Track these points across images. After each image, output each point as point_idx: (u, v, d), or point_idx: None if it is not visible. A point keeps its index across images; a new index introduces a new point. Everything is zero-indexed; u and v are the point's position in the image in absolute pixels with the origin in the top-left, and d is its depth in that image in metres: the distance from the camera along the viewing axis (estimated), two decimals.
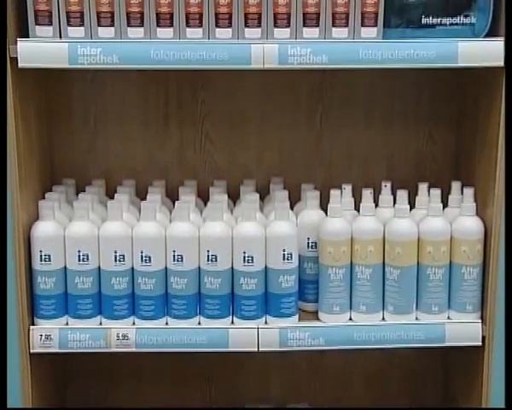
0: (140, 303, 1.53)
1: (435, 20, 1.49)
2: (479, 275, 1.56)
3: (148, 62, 1.43)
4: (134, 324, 1.54)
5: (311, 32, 1.47)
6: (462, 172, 1.73)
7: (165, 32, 1.45)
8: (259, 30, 1.46)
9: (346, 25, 1.47)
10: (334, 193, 1.55)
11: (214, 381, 1.90)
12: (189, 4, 1.44)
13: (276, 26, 1.46)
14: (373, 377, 1.90)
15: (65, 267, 1.52)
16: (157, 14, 1.45)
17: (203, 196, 1.71)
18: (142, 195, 1.67)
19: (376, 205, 1.59)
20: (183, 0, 1.44)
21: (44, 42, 1.43)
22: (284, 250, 1.51)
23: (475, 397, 1.61)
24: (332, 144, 1.79)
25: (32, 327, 1.52)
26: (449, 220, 1.56)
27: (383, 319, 1.58)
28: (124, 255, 1.51)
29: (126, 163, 1.78)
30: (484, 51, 1.45)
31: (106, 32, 1.45)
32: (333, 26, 1.47)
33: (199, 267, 1.52)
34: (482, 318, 1.57)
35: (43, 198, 1.58)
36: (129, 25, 1.45)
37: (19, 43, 1.41)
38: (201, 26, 1.46)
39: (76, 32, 1.44)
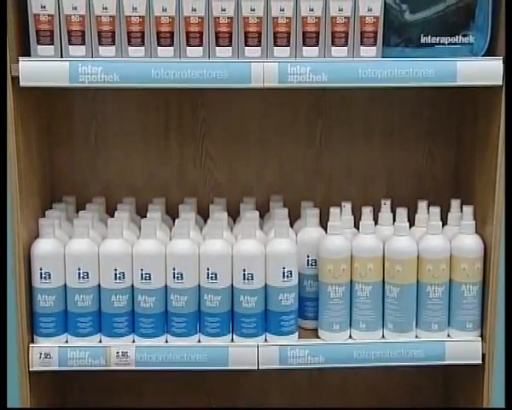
0: (140, 321, 1.53)
1: (434, 40, 1.50)
2: (478, 293, 1.56)
3: (148, 81, 1.43)
4: (134, 341, 1.54)
5: (310, 51, 1.48)
6: (462, 189, 1.74)
7: (165, 51, 1.46)
8: (259, 49, 1.47)
9: (346, 44, 1.48)
10: (333, 211, 1.56)
11: (214, 397, 1.89)
12: (189, 23, 1.45)
13: (275, 44, 1.47)
14: (373, 395, 1.90)
15: (65, 285, 1.52)
16: (157, 33, 1.46)
17: (203, 213, 1.72)
18: (142, 212, 1.68)
19: (376, 222, 1.59)
20: (184, 19, 1.45)
21: (45, 61, 1.43)
22: (284, 268, 1.51)
23: None
24: (331, 162, 1.80)
25: (31, 345, 1.52)
26: (448, 238, 1.56)
27: (383, 336, 1.58)
28: (124, 273, 1.51)
29: (127, 180, 1.79)
30: (482, 70, 1.46)
31: (107, 50, 1.46)
32: (332, 45, 1.48)
33: (199, 285, 1.52)
34: (482, 336, 1.57)
35: (44, 216, 1.58)
36: (130, 44, 1.46)
37: (20, 62, 1.42)
38: (202, 44, 1.47)
39: (77, 50, 1.45)
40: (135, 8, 1.44)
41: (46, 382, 1.66)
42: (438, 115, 1.79)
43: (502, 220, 1.51)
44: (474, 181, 1.65)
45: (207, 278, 1.51)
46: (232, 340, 1.55)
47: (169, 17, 1.45)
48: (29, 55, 1.45)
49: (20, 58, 1.42)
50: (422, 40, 1.50)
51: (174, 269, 1.50)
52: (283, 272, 1.52)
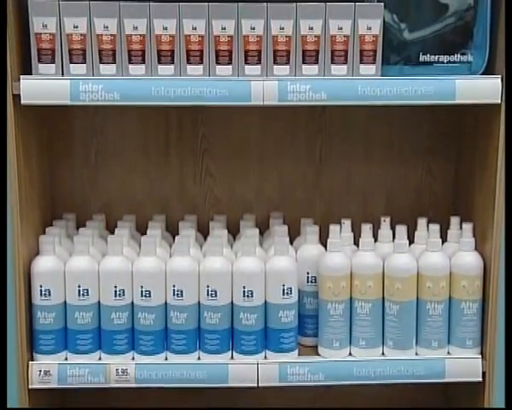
0: (140, 338, 1.53)
1: (433, 58, 1.51)
2: (478, 310, 1.56)
3: (148, 99, 1.44)
4: (133, 359, 1.54)
5: (310, 69, 1.48)
6: (461, 206, 1.74)
7: (166, 69, 1.47)
8: (259, 67, 1.48)
9: (345, 62, 1.49)
10: (333, 228, 1.56)
11: None
12: (189, 42, 1.46)
13: (275, 63, 1.48)
14: None
15: (65, 302, 1.52)
16: (158, 52, 1.47)
17: (203, 230, 1.72)
18: (142, 228, 1.68)
19: (376, 239, 1.60)
20: (184, 38, 1.46)
21: (46, 79, 1.44)
22: (284, 285, 1.52)
23: None
24: (331, 179, 1.81)
25: (30, 362, 1.52)
26: (448, 255, 1.57)
27: (383, 354, 1.58)
28: (124, 290, 1.51)
29: (127, 197, 1.79)
30: (481, 88, 1.47)
31: (107, 69, 1.47)
32: (332, 63, 1.48)
33: (199, 302, 1.52)
34: (482, 353, 1.57)
35: (44, 233, 1.59)
36: (130, 62, 1.47)
37: (22, 80, 1.43)
38: (202, 63, 1.47)
39: (78, 69, 1.46)
40: (135, 27, 1.45)
41: (45, 399, 1.65)
42: (437, 132, 1.79)
43: (501, 237, 1.52)
44: (473, 198, 1.66)
45: (207, 295, 1.51)
46: (232, 357, 1.55)
47: (169, 36, 1.46)
48: (30, 74, 1.46)
49: (22, 76, 1.43)
50: (421, 58, 1.51)
51: (174, 286, 1.51)
52: (283, 290, 1.52)
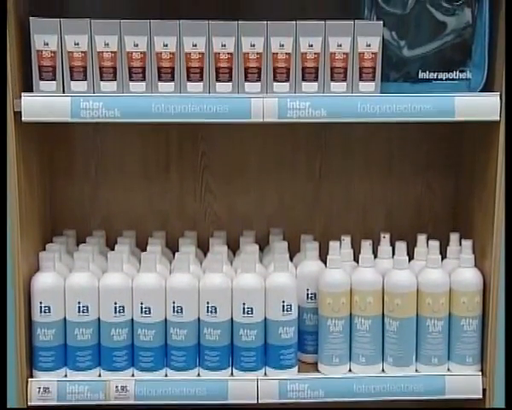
0: (139, 355, 1.52)
1: (432, 75, 1.52)
2: (478, 327, 1.56)
3: (149, 116, 1.45)
4: (133, 375, 1.54)
5: (309, 87, 1.49)
6: (461, 222, 1.75)
7: (166, 86, 1.48)
8: (259, 84, 1.49)
9: (345, 79, 1.49)
10: (333, 245, 1.56)
11: None
12: (189, 59, 1.47)
13: (275, 80, 1.49)
14: None
15: (64, 319, 1.52)
16: (158, 69, 1.47)
17: (203, 246, 1.72)
18: (142, 244, 1.68)
19: (375, 256, 1.60)
20: (184, 55, 1.47)
21: (47, 96, 1.45)
22: (284, 302, 1.52)
23: None
24: (331, 195, 1.81)
25: (30, 380, 1.51)
26: (448, 272, 1.57)
27: (383, 370, 1.57)
28: (123, 307, 1.51)
29: (127, 213, 1.80)
30: (480, 106, 1.47)
31: (108, 86, 1.47)
32: (331, 80, 1.49)
33: (198, 319, 1.52)
34: (482, 370, 1.57)
35: (44, 249, 1.59)
36: (131, 79, 1.47)
37: (23, 97, 1.43)
38: (202, 80, 1.48)
39: (79, 86, 1.47)
40: (136, 45, 1.46)
41: None
42: (436, 149, 1.80)
43: (501, 254, 1.52)
44: (473, 214, 1.66)
45: (207, 311, 1.51)
46: (232, 374, 1.54)
47: (170, 53, 1.47)
48: (31, 91, 1.47)
49: (23, 94, 1.44)
50: (420, 75, 1.52)
51: (174, 303, 1.51)
52: (283, 306, 1.52)
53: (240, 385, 1.53)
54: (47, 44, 1.45)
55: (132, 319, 1.52)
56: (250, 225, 1.78)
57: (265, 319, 1.53)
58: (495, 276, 1.53)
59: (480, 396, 1.55)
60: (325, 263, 1.58)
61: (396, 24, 1.51)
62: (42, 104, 1.44)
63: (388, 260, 1.59)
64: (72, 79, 1.47)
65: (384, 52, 1.49)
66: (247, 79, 1.48)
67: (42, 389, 1.51)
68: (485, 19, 1.50)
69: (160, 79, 1.48)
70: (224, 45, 1.47)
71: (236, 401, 1.53)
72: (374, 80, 1.50)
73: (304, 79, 1.49)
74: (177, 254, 1.56)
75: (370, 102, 1.47)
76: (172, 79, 1.48)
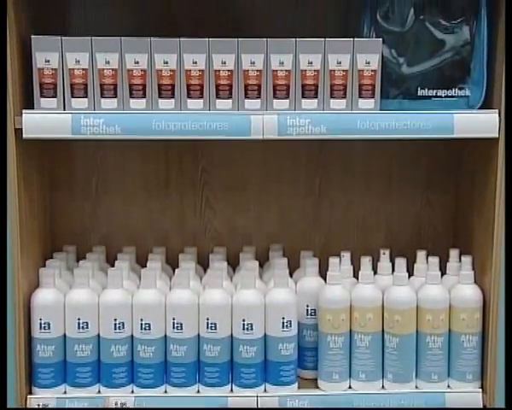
0: (139, 371, 1.52)
1: (431, 92, 1.53)
2: (478, 343, 1.56)
3: (149, 133, 1.45)
4: (133, 392, 1.53)
5: (309, 104, 1.50)
6: (460, 238, 1.75)
7: (166, 103, 1.49)
8: (259, 101, 1.49)
9: (344, 96, 1.50)
10: (332, 261, 1.56)
11: None
12: (190, 76, 1.48)
13: (275, 97, 1.49)
14: None
15: (64, 335, 1.52)
16: (159, 86, 1.48)
17: (203, 262, 1.72)
18: (142, 260, 1.68)
19: (375, 272, 1.60)
20: (185, 72, 1.48)
21: (48, 113, 1.46)
22: (283, 318, 1.52)
23: None
24: (331, 211, 1.81)
25: (29, 396, 1.51)
26: (447, 288, 1.57)
27: (383, 387, 1.57)
28: (123, 323, 1.51)
29: (127, 229, 1.80)
30: (479, 123, 1.48)
31: (109, 103, 1.48)
32: (331, 97, 1.50)
33: (198, 335, 1.52)
34: (482, 387, 1.57)
35: (44, 265, 1.59)
36: (131, 96, 1.48)
37: (24, 114, 1.44)
38: (202, 97, 1.49)
39: (80, 103, 1.47)
40: (137, 62, 1.47)
41: None
42: (436, 165, 1.81)
43: (501, 270, 1.52)
44: (472, 230, 1.66)
45: (207, 327, 1.51)
46: (231, 390, 1.54)
47: (170, 70, 1.47)
48: (32, 107, 1.47)
49: (24, 111, 1.45)
50: (420, 93, 1.53)
51: (174, 319, 1.51)
52: (283, 322, 1.52)
53: (240, 402, 1.52)
54: (48, 62, 1.46)
55: (132, 336, 1.52)
56: (250, 241, 1.78)
57: (265, 335, 1.53)
58: (495, 292, 1.53)
59: None
60: (325, 279, 1.58)
61: (395, 41, 1.52)
62: (43, 121, 1.44)
63: (388, 277, 1.59)
64: (72, 96, 1.47)
65: (383, 69, 1.50)
66: (246, 96, 1.49)
67: (41, 406, 1.50)
68: (484, 37, 1.51)
69: (160, 96, 1.48)
70: (224, 62, 1.48)
71: None
72: (373, 97, 1.50)
73: (303, 96, 1.50)
74: (177, 270, 1.56)
75: (370, 119, 1.47)
76: (173, 96, 1.49)
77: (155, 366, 1.52)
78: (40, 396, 1.51)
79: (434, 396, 1.55)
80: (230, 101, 1.49)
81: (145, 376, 1.52)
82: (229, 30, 1.58)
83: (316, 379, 1.59)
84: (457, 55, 1.52)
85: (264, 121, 1.46)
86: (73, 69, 1.46)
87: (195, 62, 1.48)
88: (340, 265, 1.58)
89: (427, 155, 1.80)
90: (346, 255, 1.61)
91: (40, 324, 1.51)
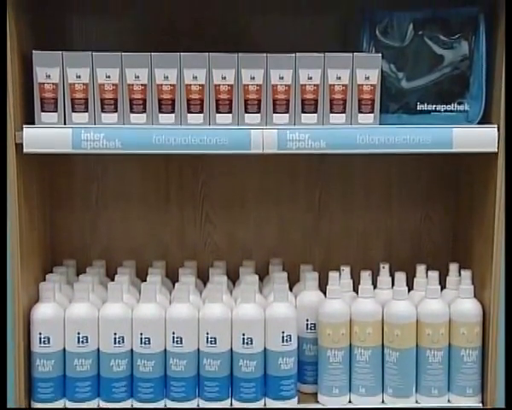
0: (139, 385, 1.52)
1: (430, 107, 1.53)
2: (478, 358, 1.56)
3: (149, 147, 1.46)
4: (132, 406, 1.53)
5: (309, 118, 1.50)
6: (460, 252, 1.75)
7: (166, 118, 1.49)
8: (259, 115, 1.50)
9: (344, 111, 1.50)
10: (332, 275, 1.56)
11: None
12: (190, 91, 1.48)
13: (275, 111, 1.50)
14: None
15: (64, 349, 1.52)
16: (159, 101, 1.49)
17: (203, 276, 1.73)
18: (142, 274, 1.68)
19: (375, 286, 1.60)
20: (185, 87, 1.48)
21: (49, 127, 1.46)
22: (283, 332, 1.52)
23: None
24: (330, 225, 1.81)
25: None
26: (447, 302, 1.57)
27: (383, 401, 1.57)
28: (123, 337, 1.51)
29: (127, 243, 1.80)
30: (478, 137, 1.48)
31: (109, 117, 1.48)
32: (331, 112, 1.50)
33: (198, 349, 1.52)
34: (483, 401, 1.56)
35: (44, 279, 1.59)
36: (132, 111, 1.49)
37: (24, 129, 1.45)
38: (202, 111, 1.49)
39: (80, 117, 1.48)
40: (137, 77, 1.48)
41: None
42: (435, 179, 1.81)
43: (501, 284, 1.52)
44: (472, 244, 1.66)
45: (207, 342, 1.51)
46: (231, 404, 1.54)
47: (170, 85, 1.48)
48: (33, 121, 1.48)
49: (24, 126, 1.45)
50: (419, 107, 1.53)
51: (173, 333, 1.50)
52: (283, 337, 1.52)
53: None
54: (49, 77, 1.46)
55: (132, 350, 1.52)
56: (250, 255, 1.78)
57: (265, 349, 1.53)
58: (495, 306, 1.53)
59: None
60: (325, 293, 1.58)
61: (394, 56, 1.53)
62: (43, 136, 1.45)
63: (388, 291, 1.59)
64: (73, 111, 1.48)
65: (383, 84, 1.51)
66: (246, 111, 1.50)
67: None
68: (482, 52, 1.51)
69: (160, 110, 1.49)
70: (224, 77, 1.48)
71: None
72: (373, 112, 1.51)
73: (303, 111, 1.50)
74: (176, 284, 1.56)
75: (369, 134, 1.48)
76: (173, 111, 1.49)
77: (155, 380, 1.52)
78: None
79: None
80: (230, 115, 1.49)
81: (145, 390, 1.52)
82: (230, 45, 1.59)
83: (316, 394, 1.59)
84: (456, 70, 1.52)
85: (264, 136, 1.47)
86: (74, 84, 1.47)
87: (196, 77, 1.48)
88: (339, 279, 1.58)
89: (427, 169, 1.80)
90: (346, 269, 1.61)
91: (40, 338, 1.51)
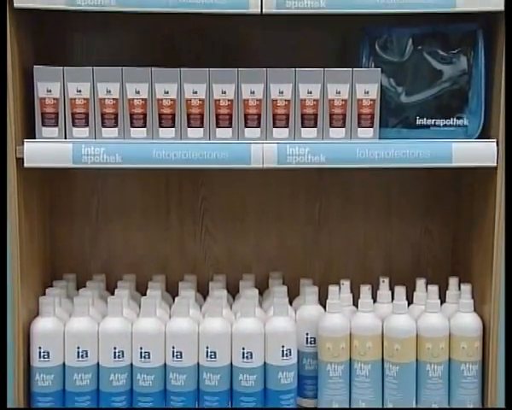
0: (138, 400, 1.52)
1: (429, 121, 1.54)
2: (478, 372, 1.56)
3: (149, 162, 1.46)
4: None
5: (309, 133, 1.51)
6: (460, 266, 1.75)
7: (167, 132, 1.50)
8: (259, 130, 1.50)
9: (343, 125, 1.51)
10: (332, 289, 1.56)
11: None
12: (190, 106, 1.49)
13: (275, 126, 1.50)
14: None
15: (63, 364, 1.52)
16: (159, 115, 1.49)
17: (203, 290, 1.73)
18: (142, 287, 1.69)
19: (375, 300, 1.60)
20: (185, 101, 1.49)
21: (49, 142, 1.47)
22: (283, 346, 1.51)
23: None
24: (330, 239, 1.82)
25: None
26: (447, 316, 1.57)
27: None
28: (123, 351, 1.51)
29: (127, 256, 1.80)
30: (477, 152, 1.49)
31: (109, 132, 1.49)
32: (330, 126, 1.51)
33: (198, 363, 1.52)
34: None
35: (44, 293, 1.59)
36: (132, 125, 1.49)
37: (25, 144, 1.45)
38: (202, 126, 1.50)
39: (81, 132, 1.48)
40: (137, 92, 1.48)
41: None
42: (435, 193, 1.81)
43: (501, 298, 1.52)
44: (471, 258, 1.66)
45: (206, 356, 1.51)
46: None
47: (170, 100, 1.49)
48: (34, 136, 1.48)
49: (25, 140, 1.46)
50: (418, 122, 1.54)
51: (173, 347, 1.50)
52: (282, 351, 1.51)
53: None
54: (50, 91, 1.47)
55: (132, 364, 1.51)
56: (250, 269, 1.78)
57: (265, 363, 1.52)
58: (494, 320, 1.53)
59: None
60: (324, 307, 1.58)
61: (394, 71, 1.53)
62: (44, 150, 1.46)
63: (388, 305, 1.59)
64: (74, 126, 1.49)
65: (382, 98, 1.51)
66: (246, 126, 1.50)
67: None
68: (481, 67, 1.52)
69: (160, 125, 1.49)
70: (225, 92, 1.49)
71: None
72: (372, 126, 1.51)
73: (303, 126, 1.51)
74: (176, 298, 1.56)
75: (369, 148, 1.48)
76: (173, 126, 1.50)
77: (155, 394, 1.51)
78: None
79: None
80: (230, 130, 1.50)
81: (144, 405, 1.51)
82: (229, 60, 1.60)
83: (316, 408, 1.59)
84: (455, 85, 1.53)
85: (264, 150, 1.47)
86: (75, 99, 1.48)
87: (196, 92, 1.49)
88: (339, 293, 1.58)
89: (426, 183, 1.80)
90: (346, 283, 1.61)
91: (39, 352, 1.50)
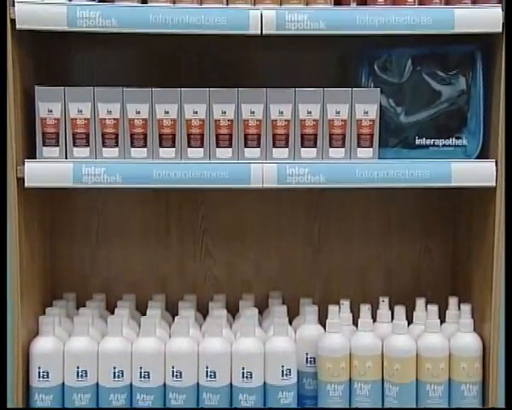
0: None
1: (429, 142, 1.55)
2: (479, 392, 1.55)
3: (150, 182, 1.47)
4: None
5: (308, 153, 1.51)
6: (460, 285, 1.75)
7: (167, 152, 1.50)
8: (259, 150, 1.51)
9: (343, 145, 1.52)
10: (332, 309, 1.56)
11: None
12: (190, 126, 1.50)
13: (274, 146, 1.51)
14: None
15: (63, 384, 1.51)
16: (160, 135, 1.50)
17: (202, 309, 1.72)
18: (142, 307, 1.68)
19: (374, 320, 1.60)
20: (185, 121, 1.50)
21: (50, 162, 1.47)
22: (283, 366, 1.51)
23: None
24: (330, 259, 1.82)
25: None
26: (447, 336, 1.57)
27: None
28: (123, 371, 1.50)
29: (127, 276, 1.80)
30: (476, 172, 1.50)
31: (110, 152, 1.50)
32: (330, 146, 1.52)
33: (198, 383, 1.51)
34: None
35: (44, 312, 1.59)
36: (132, 145, 1.50)
37: (26, 164, 1.46)
38: (202, 146, 1.50)
39: (81, 152, 1.49)
40: (138, 112, 1.49)
41: None
42: (434, 213, 1.81)
43: (501, 318, 1.52)
44: (471, 278, 1.66)
45: (206, 376, 1.50)
46: None
47: (171, 120, 1.49)
48: (35, 156, 1.49)
49: (26, 160, 1.46)
50: (417, 142, 1.55)
51: (173, 367, 1.50)
52: (282, 371, 1.51)
53: None
54: (51, 112, 1.48)
55: (131, 384, 1.51)
56: (249, 289, 1.78)
57: (265, 383, 1.52)
58: (495, 341, 1.53)
59: None
60: (324, 327, 1.58)
61: (393, 92, 1.54)
62: (44, 170, 1.46)
63: (387, 325, 1.59)
64: (74, 146, 1.49)
65: (381, 119, 1.52)
66: (246, 145, 1.51)
67: None
68: (480, 87, 1.53)
69: (161, 145, 1.50)
70: (225, 112, 1.50)
71: None
72: (371, 146, 1.52)
73: (303, 146, 1.51)
74: (176, 318, 1.56)
75: (368, 168, 1.49)
76: (173, 145, 1.50)
77: None
78: None
79: None
80: (230, 150, 1.51)
81: None
82: (229, 80, 1.60)
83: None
84: (454, 106, 1.54)
85: (264, 170, 1.48)
86: (76, 119, 1.48)
87: (196, 112, 1.50)
88: (339, 312, 1.58)
89: (426, 202, 1.81)
90: (346, 303, 1.61)
91: (39, 372, 1.50)
